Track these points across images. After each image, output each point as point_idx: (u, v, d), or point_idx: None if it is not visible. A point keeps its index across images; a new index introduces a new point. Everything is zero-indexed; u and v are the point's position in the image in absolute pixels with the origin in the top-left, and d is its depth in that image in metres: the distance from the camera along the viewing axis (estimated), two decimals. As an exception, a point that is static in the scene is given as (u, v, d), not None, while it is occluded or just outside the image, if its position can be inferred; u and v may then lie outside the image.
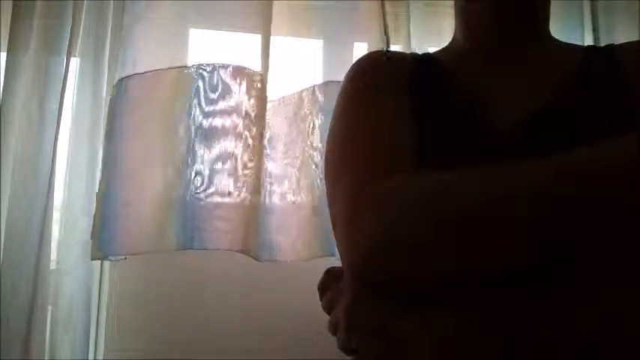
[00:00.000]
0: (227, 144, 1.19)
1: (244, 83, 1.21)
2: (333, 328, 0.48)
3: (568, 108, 0.56)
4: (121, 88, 1.16)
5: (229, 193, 1.18)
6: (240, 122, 1.20)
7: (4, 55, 1.18)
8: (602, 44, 0.70)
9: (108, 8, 1.25)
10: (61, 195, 1.19)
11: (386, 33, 1.21)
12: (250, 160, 1.18)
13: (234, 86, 1.21)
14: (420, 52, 0.72)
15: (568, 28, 1.27)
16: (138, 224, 1.14)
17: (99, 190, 1.14)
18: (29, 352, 1.09)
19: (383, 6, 1.23)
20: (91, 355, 1.20)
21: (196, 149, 1.19)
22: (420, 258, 0.43)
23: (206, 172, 1.19)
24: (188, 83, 1.20)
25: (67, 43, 1.18)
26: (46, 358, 1.13)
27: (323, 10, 1.29)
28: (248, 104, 1.20)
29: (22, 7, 1.18)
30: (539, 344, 0.40)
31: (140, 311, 1.26)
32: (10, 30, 1.17)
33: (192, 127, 1.19)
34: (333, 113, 0.63)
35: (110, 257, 1.17)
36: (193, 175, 1.18)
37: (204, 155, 1.19)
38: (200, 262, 1.29)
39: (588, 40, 1.35)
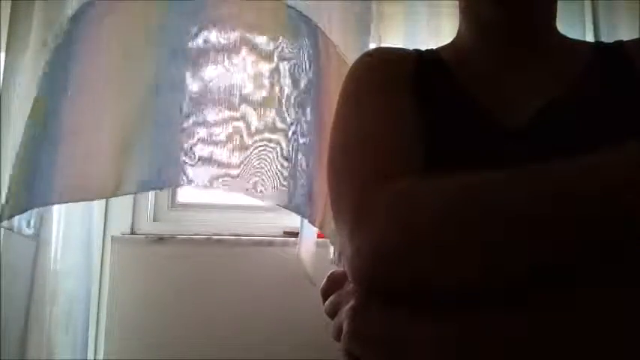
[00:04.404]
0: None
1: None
2: (337, 334, 0.47)
3: (575, 105, 0.55)
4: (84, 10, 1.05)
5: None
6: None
7: (3, 55, 1.17)
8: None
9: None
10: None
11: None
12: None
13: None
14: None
15: (569, 28, 1.27)
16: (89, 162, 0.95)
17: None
18: (28, 352, 1.09)
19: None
20: (90, 355, 1.20)
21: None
22: (443, 261, 0.43)
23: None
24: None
25: (66, 42, 1.17)
26: (46, 358, 1.13)
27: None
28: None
29: (21, 7, 1.17)
30: (544, 346, 0.40)
31: (140, 311, 1.26)
32: (9, 30, 1.17)
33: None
34: (335, 112, 0.62)
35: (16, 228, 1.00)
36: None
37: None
38: (200, 262, 1.30)
39: (589, 40, 1.35)
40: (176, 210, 1.42)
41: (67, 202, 1.01)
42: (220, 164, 1.05)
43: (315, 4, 1.19)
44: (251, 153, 1.08)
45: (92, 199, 1.06)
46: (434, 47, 0.70)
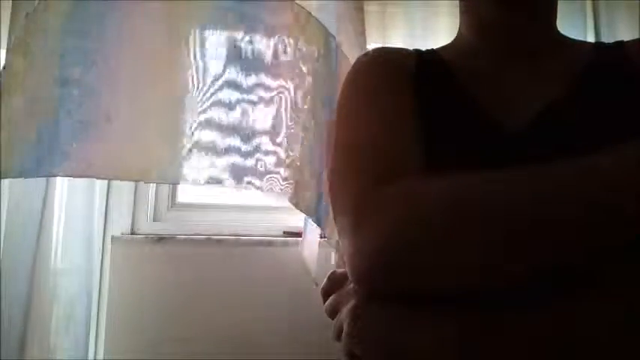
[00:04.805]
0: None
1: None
2: (337, 334, 0.47)
3: (575, 105, 0.55)
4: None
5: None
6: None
7: (3, 53, 1.17)
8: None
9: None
10: (60, 194, 1.19)
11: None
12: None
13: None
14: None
15: (569, 28, 1.27)
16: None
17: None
18: (28, 352, 1.09)
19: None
20: (90, 355, 1.20)
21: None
22: (443, 261, 0.43)
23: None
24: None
25: (66, 42, 1.17)
26: (46, 358, 1.13)
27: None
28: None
29: (21, 6, 1.17)
30: (545, 347, 0.40)
31: (140, 311, 1.26)
32: (10, 29, 1.17)
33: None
34: (337, 112, 0.62)
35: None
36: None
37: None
38: (200, 262, 1.30)
39: (590, 40, 1.35)
40: (176, 210, 1.42)
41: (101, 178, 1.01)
42: (268, 171, 1.05)
43: (323, 5, 1.19)
44: (292, 162, 1.08)
45: (127, 180, 1.06)
46: (433, 47, 0.70)
